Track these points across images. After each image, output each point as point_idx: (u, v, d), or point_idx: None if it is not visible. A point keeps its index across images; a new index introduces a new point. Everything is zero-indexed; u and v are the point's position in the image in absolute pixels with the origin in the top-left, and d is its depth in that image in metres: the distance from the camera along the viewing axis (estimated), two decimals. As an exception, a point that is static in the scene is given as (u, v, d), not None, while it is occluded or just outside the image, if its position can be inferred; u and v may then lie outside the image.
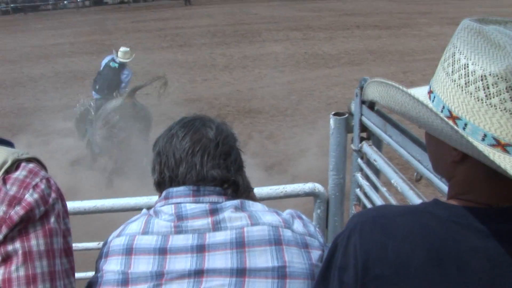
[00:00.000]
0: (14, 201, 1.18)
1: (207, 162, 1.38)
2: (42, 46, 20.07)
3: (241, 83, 13.40)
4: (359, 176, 2.30)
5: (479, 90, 0.91)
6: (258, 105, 11.27)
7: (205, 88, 13.10)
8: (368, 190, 2.18)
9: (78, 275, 1.51)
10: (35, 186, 1.22)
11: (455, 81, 0.95)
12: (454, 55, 0.96)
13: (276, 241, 1.30)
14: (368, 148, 2.15)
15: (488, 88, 0.90)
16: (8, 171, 1.22)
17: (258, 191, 2.22)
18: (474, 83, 0.92)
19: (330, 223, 2.48)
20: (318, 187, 2.37)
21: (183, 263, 1.27)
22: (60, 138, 9.51)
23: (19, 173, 1.23)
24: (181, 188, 1.38)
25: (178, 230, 1.31)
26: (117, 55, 8.60)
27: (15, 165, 1.24)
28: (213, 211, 1.34)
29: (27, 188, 1.21)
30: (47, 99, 12.36)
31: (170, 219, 1.33)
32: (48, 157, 7.82)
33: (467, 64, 0.93)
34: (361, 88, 2.11)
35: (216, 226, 1.31)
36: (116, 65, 8.57)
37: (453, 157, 1.00)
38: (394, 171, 1.90)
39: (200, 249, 1.28)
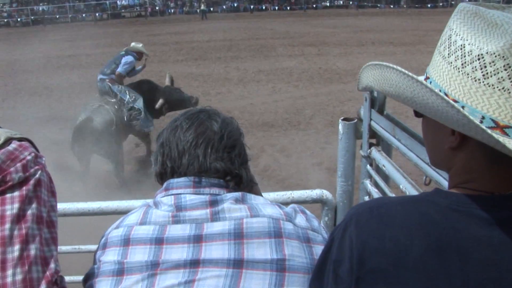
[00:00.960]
0: None
1: (210, 154, 1.36)
2: (59, 57, 20.32)
3: (254, 97, 13.40)
4: (367, 183, 2.26)
5: (476, 70, 0.89)
6: (271, 119, 11.24)
7: (219, 101, 13.10)
8: (377, 197, 2.14)
9: (80, 277, 1.48)
10: (22, 159, 1.25)
11: (451, 63, 0.93)
12: (450, 38, 0.94)
13: (276, 234, 1.27)
14: (377, 154, 2.11)
15: (485, 67, 0.87)
16: (0, 147, 1.25)
17: (264, 196, 2.18)
18: (470, 63, 0.89)
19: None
20: (326, 193, 2.33)
21: (179, 253, 1.24)
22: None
23: (10, 146, 1.26)
24: (182, 179, 1.35)
25: (176, 220, 1.28)
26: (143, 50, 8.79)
27: (8, 142, 1.27)
28: (213, 202, 1.31)
29: (14, 161, 1.24)
30: (62, 109, 12.45)
31: (169, 209, 1.30)
32: (63, 166, 7.89)
33: (464, 45, 0.91)
34: (371, 92, 2.08)
35: (215, 217, 1.28)
36: (123, 52, 8.75)
37: (451, 142, 0.96)
38: (403, 176, 1.86)
39: (197, 239, 1.25)
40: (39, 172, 1.29)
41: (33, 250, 1.22)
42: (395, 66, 0.98)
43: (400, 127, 1.84)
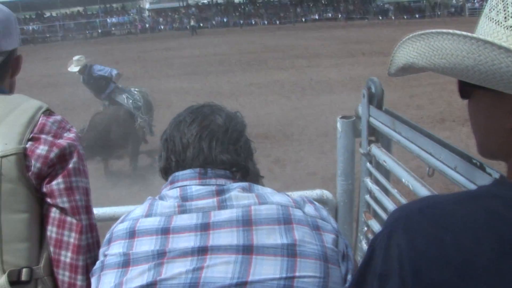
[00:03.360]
0: (56, 137, 1.47)
1: (215, 147, 1.34)
2: (51, 76, 20.24)
3: (247, 110, 13.36)
4: (368, 181, 2.24)
5: None
6: (264, 131, 11.22)
7: (212, 115, 13.09)
8: (379, 194, 2.12)
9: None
10: (70, 129, 1.54)
11: (510, 27, 0.78)
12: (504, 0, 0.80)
13: (286, 220, 1.23)
14: (377, 150, 2.09)
15: None
16: (44, 113, 1.50)
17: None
18: None
19: (340, 244, 2.41)
20: (326, 193, 2.31)
21: (186, 241, 1.21)
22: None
23: (57, 116, 1.54)
24: (188, 171, 1.33)
25: (182, 210, 1.25)
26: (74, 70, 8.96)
27: (48, 111, 1.52)
28: (220, 192, 1.28)
29: (64, 129, 1.51)
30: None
31: (175, 201, 1.28)
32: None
33: None
34: (368, 88, 2.07)
35: (222, 205, 1.25)
36: (78, 73, 9.01)
37: None
38: (404, 170, 1.84)
39: (205, 227, 1.22)
40: (80, 146, 1.53)
41: (94, 219, 1.54)
42: (451, 31, 0.82)
43: (400, 121, 1.83)
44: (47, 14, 56.02)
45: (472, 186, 1.34)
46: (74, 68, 8.95)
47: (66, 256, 1.44)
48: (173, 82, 17.59)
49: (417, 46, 0.91)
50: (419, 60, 0.91)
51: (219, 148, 1.34)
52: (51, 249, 1.44)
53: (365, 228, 2.33)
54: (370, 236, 2.28)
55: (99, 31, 49.66)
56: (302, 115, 12.29)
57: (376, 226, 2.18)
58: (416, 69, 0.96)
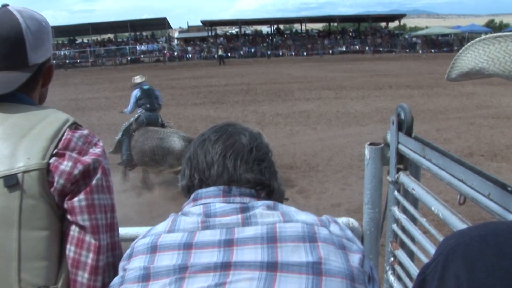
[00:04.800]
0: (81, 154, 1.43)
1: (240, 165, 1.32)
2: (79, 100, 20.65)
3: (272, 139, 13.39)
4: (396, 210, 2.19)
5: None
6: (289, 161, 11.19)
7: (237, 144, 13.11)
8: (406, 224, 2.07)
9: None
10: (97, 143, 1.50)
11: None
12: None
13: (311, 239, 1.20)
14: (405, 178, 2.05)
15: None
16: (69, 127, 1.45)
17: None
18: None
19: (366, 264, 2.35)
20: (352, 221, 2.26)
21: (209, 257, 1.18)
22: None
23: (83, 130, 1.50)
24: (211, 189, 1.31)
25: (205, 226, 1.23)
26: (140, 81, 10.38)
27: (74, 125, 1.48)
28: (244, 209, 1.25)
29: (90, 144, 1.48)
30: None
31: (198, 217, 1.25)
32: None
33: None
34: (398, 115, 2.04)
35: (246, 221, 1.23)
36: (148, 86, 10.35)
37: None
38: (434, 198, 1.79)
39: (228, 243, 1.19)
40: (104, 161, 1.49)
41: (117, 237, 1.49)
42: None
43: (430, 147, 1.79)
44: (79, 40, 57.39)
45: (507, 215, 1.29)
46: (139, 79, 10.42)
47: (83, 277, 1.38)
48: (199, 110, 17.74)
49: (490, 50, 0.82)
50: (490, 66, 0.82)
51: (244, 167, 1.32)
52: (69, 268, 1.39)
53: (392, 259, 2.27)
54: (397, 266, 2.22)
55: (129, 58, 50.51)
56: (328, 146, 12.24)
57: (403, 256, 2.12)
58: (483, 75, 0.86)
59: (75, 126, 1.49)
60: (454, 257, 0.76)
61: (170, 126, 10.67)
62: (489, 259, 0.72)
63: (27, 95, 1.53)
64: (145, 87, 10.28)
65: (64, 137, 1.42)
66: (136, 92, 10.20)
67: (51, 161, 1.37)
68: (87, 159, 1.42)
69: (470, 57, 0.86)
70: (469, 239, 0.78)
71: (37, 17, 1.54)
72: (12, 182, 1.31)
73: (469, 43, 0.86)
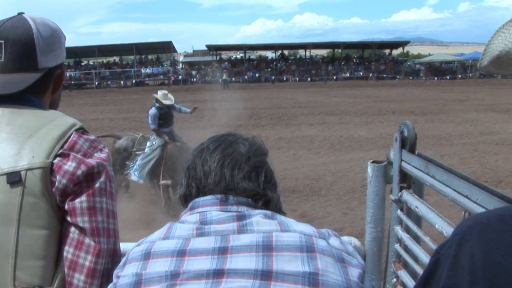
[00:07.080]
0: (86, 156, 1.43)
1: (237, 174, 1.30)
2: (83, 120, 20.21)
3: (275, 163, 13.04)
4: (398, 229, 2.15)
5: None
6: (291, 184, 11.14)
7: (240, 167, 13.10)
8: (409, 243, 2.03)
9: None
10: (102, 149, 1.49)
11: None
12: None
13: (309, 249, 1.17)
14: (408, 196, 2.02)
15: None
16: (76, 130, 1.46)
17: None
18: None
19: (366, 281, 2.31)
20: (355, 241, 2.22)
21: (202, 264, 1.15)
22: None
23: (89, 136, 1.49)
24: (208, 197, 1.29)
25: (200, 233, 1.21)
26: (162, 100, 10.16)
27: (81, 130, 1.49)
28: (240, 217, 1.23)
29: (95, 149, 1.47)
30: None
31: (194, 225, 1.23)
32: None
33: None
34: (401, 132, 2.02)
35: (242, 229, 1.20)
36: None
37: None
38: (438, 216, 1.76)
39: (223, 250, 1.16)
40: (109, 166, 1.48)
41: (118, 245, 1.48)
42: None
43: (434, 164, 1.76)
44: (84, 61, 57.84)
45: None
46: (168, 101, 10.31)
47: (79, 280, 1.37)
48: (202, 133, 17.66)
49: None
50: None
51: (241, 175, 1.31)
52: (65, 270, 1.37)
53: (394, 279, 2.23)
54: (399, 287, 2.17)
55: (134, 80, 50.84)
56: (331, 171, 12.19)
57: (406, 277, 2.08)
58: None
59: (82, 131, 1.50)
60: (471, 236, 0.74)
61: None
62: (507, 239, 0.70)
63: (38, 99, 1.55)
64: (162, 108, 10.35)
65: (70, 139, 1.43)
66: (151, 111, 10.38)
67: (55, 161, 1.38)
68: (92, 161, 1.43)
69: (500, 39, 0.85)
70: (486, 219, 0.76)
71: (50, 24, 1.58)
72: (15, 178, 1.32)
73: (499, 26, 0.85)
